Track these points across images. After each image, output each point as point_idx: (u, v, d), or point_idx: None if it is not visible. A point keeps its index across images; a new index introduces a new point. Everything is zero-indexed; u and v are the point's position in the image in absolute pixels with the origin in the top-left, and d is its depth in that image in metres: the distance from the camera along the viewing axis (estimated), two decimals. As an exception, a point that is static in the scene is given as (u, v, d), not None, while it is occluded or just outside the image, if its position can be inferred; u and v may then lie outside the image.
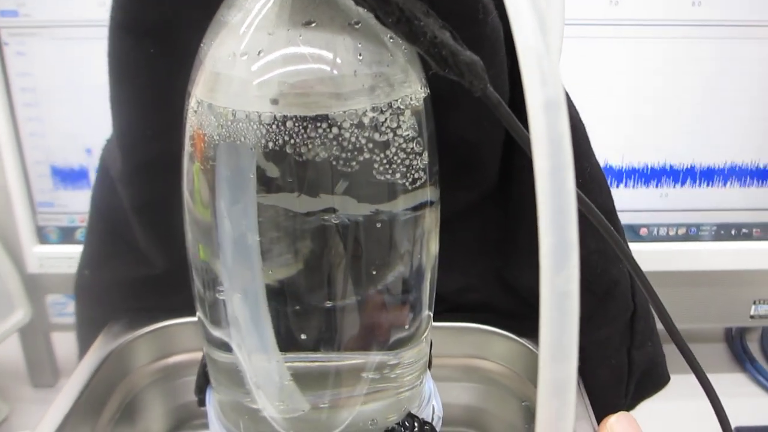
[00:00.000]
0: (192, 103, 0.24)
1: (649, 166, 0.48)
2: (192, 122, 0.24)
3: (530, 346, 0.37)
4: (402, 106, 0.23)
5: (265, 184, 0.23)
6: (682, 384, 0.40)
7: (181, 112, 0.25)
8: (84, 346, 0.40)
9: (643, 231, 0.50)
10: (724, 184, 0.49)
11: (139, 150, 0.34)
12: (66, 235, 0.50)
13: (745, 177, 0.49)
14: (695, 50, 0.45)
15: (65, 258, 0.48)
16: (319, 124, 0.22)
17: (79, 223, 0.49)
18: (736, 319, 0.54)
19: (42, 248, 0.49)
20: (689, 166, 0.48)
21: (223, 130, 0.22)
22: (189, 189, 0.26)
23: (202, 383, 0.31)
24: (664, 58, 0.45)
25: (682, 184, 0.49)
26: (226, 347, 0.27)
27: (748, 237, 0.51)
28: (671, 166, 0.48)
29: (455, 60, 0.21)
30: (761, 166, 0.49)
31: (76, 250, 0.42)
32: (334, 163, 0.22)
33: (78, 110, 0.46)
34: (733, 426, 0.46)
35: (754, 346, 0.60)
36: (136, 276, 0.40)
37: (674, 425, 0.46)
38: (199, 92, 0.24)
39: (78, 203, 0.49)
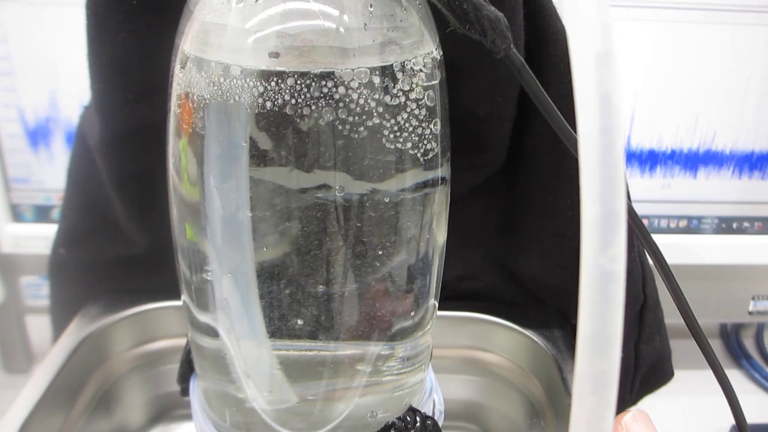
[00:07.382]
0: (179, 59, 0.22)
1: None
2: (179, 80, 0.22)
3: (534, 338, 0.36)
4: (416, 68, 0.21)
5: (260, 154, 0.21)
6: (677, 379, 0.39)
7: (167, 73, 0.23)
8: (58, 330, 0.39)
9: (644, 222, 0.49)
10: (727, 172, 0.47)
11: (119, 115, 0.32)
12: (42, 214, 0.48)
13: (749, 167, 0.47)
14: (700, 34, 0.43)
15: (41, 238, 0.45)
16: (324, 83, 0.19)
17: (55, 201, 0.47)
18: (734, 315, 0.53)
19: (16, 227, 0.47)
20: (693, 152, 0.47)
21: (215, 88, 0.20)
22: (174, 160, 0.24)
23: (186, 371, 0.30)
24: (668, 42, 0.44)
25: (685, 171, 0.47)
26: (213, 333, 0.25)
27: (748, 231, 0.49)
28: (673, 152, 0.47)
29: (477, 15, 0.19)
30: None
31: (52, 229, 0.40)
32: (339, 128, 0.20)
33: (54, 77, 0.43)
34: (729, 424, 0.45)
35: (749, 343, 0.59)
36: (115, 255, 0.38)
37: (670, 421, 0.45)
38: (187, 46, 0.21)
39: (55, 180, 0.46)
